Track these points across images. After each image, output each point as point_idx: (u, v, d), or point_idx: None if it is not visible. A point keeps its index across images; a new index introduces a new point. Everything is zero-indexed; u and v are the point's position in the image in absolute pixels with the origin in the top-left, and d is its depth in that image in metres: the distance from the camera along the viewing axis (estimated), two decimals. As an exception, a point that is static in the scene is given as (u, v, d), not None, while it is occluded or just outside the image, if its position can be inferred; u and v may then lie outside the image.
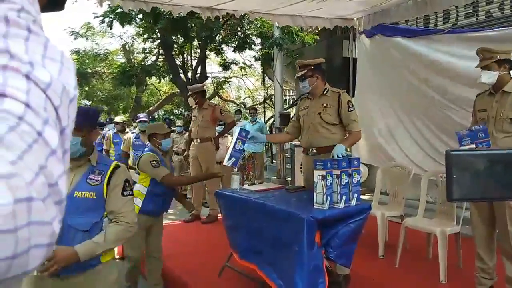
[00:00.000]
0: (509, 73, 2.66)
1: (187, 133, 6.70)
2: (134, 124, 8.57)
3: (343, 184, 2.51)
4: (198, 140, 5.01)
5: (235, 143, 3.04)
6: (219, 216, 4.70)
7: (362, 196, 2.74)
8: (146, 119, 5.99)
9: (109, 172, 1.87)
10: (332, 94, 3.10)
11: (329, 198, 2.47)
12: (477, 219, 2.82)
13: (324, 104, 3.07)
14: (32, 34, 0.39)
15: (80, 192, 1.79)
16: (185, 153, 5.45)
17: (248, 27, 10.23)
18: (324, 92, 3.12)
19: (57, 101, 0.38)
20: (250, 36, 10.33)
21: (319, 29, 5.96)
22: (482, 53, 2.73)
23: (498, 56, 2.64)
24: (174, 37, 10.19)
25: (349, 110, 3.03)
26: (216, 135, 5.20)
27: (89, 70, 14.42)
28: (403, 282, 3.12)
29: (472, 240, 2.94)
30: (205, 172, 4.92)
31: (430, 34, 5.03)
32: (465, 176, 0.78)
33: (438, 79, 4.82)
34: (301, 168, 6.09)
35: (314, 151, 3.10)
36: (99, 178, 1.84)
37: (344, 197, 2.50)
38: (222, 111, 5.19)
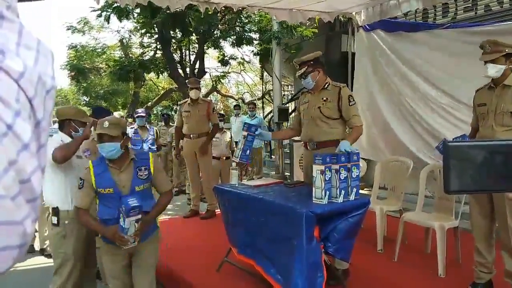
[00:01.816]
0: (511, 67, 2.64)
1: (173, 127, 6.65)
2: (130, 120, 8.56)
3: (342, 178, 2.50)
4: (196, 135, 4.99)
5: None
6: (218, 211, 4.70)
7: (360, 191, 2.73)
8: (144, 114, 5.98)
9: (151, 163, 2.41)
10: (333, 88, 3.08)
11: (328, 192, 2.46)
12: (476, 213, 2.82)
13: (324, 98, 3.05)
14: (5, 21, 0.36)
15: (138, 187, 2.34)
16: (176, 150, 5.43)
17: (247, 21, 10.17)
18: (325, 86, 3.10)
19: (31, 91, 0.36)
20: (249, 31, 10.27)
21: (318, 22, 5.91)
22: (490, 45, 2.64)
23: (507, 50, 2.59)
24: (172, 32, 10.12)
25: (350, 104, 3.01)
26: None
27: (86, 66, 14.33)
28: (402, 276, 3.13)
29: (471, 234, 2.95)
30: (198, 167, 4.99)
31: (431, 28, 5.01)
32: (463, 167, 0.77)
33: (437, 74, 4.81)
34: (300, 163, 6.09)
35: (314, 145, 3.10)
36: (146, 172, 2.38)
37: (343, 192, 2.50)
38: (214, 109, 5.17)
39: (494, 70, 2.61)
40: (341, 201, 2.49)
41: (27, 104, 0.35)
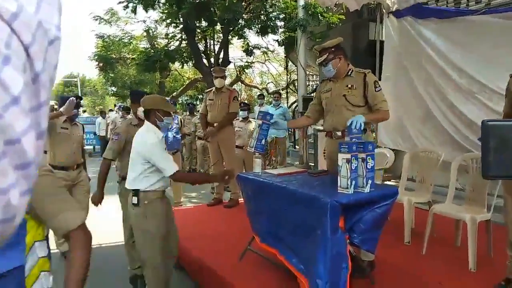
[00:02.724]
0: None
1: (198, 117, 6.65)
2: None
3: (369, 168, 2.42)
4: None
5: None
6: (241, 200, 4.70)
7: (387, 182, 2.64)
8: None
9: None
10: (357, 75, 2.97)
11: (354, 182, 2.39)
12: (511, 205, 2.68)
13: (349, 86, 2.95)
14: None
15: None
16: (204, 135, 5.42)
17: (271, 9, 10.04)
18: (348, 73, 3.00)
19: (27, 37, 0.30)
20: (273, 19, 10.14)
21: (345, 8, 5.76)
22: None
23: None
24: (197, 22, 10.13)
25: (376, 90, 2.89)
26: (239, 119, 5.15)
27: (113, 56, 14.55)
28: (430, 269, 3.03)
29: (504, 228, 2.81)
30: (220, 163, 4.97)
31: (465, 15, 4.78)
32: (504, 149, 0.70)
33: (472, 63, 4.61)
34: (324, 153, 6.00)
35: (339, 134, 3.01)
36: None
37: (370, 181, 2.42)
38: (235, 97, 5.14)
39: None
40: (368, 191, 2.42)
41: (21, 51, 0.30)
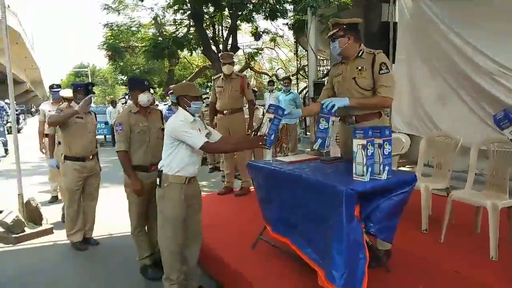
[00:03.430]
0: None
1: (205, 105, 6.56)
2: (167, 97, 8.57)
3: (386, 154, 2.30)
4: (229, 111, 4.87)
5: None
6: (252, 188, 4.62)
7: (402, 168, 2.52)
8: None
9: None
10: (367, 56, 2.80)
11: (370, 169, 2.27)
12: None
13: (359, 68, 2.79)
14: None
15: None
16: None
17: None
18: (359, 54, 2.83)
19: None
20: (282, 2, 9.92)
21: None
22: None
23: None
24: (204, 7, 9.97)
25: (380, 72, 2.71)
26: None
27: (122, 45, 14.48)
28: (449, 257, 2.91)
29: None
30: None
31: None
32: None
33: (488, 43, 4.41)
34: (337, 139, 5.86)
35: (353, 119, 2.88)
36: None
37: (387, 168, 2.30)
38: (248, 84, 5.01)
39: None
40: (385, 178, 2.30)
41: None
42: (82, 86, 4.04)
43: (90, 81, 37.24)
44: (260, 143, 2.66)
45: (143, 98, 3.19)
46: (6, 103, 11.56)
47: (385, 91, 2.71)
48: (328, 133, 2.66)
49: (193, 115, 2.71)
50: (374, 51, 2.82)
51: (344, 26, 2.80)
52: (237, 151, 4.67)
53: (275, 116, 2.73)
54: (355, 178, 2.32)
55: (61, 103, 4.85)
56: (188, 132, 2.59)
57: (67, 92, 4.58)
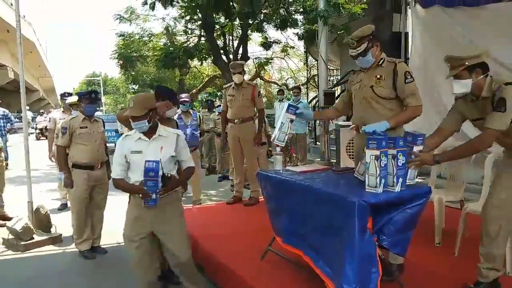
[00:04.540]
0: (485, 77, 2.38)
1: (217, 114, 6.55)
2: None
3: (400, 165, 2.25)
4: (240, 120, 4.86)
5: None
6: (261, 198, 4.57)
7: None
8: (188, 100, 5.93)
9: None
10: (388, 64, 2.75)
11: (383, 180, 2.22)
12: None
13: (378, 76, 2.74)
14: None
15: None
16: (222, 135, 5.34)
17: (292, 0, 9.83)
18: (380, 63, 2.78)
19: None
20: (293, 12, 9.94)
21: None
22: (449, 62, 2.45)
23: (467, 63, 2.35)
24: (215, 16, 10.04)
25: (406, 81, 2.66)
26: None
27: (134, 54, 14.62)
28: (464, 272, 2.82)
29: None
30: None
31: (497, 1, 4.51)
32: None
33: (503, 51, 4.34)
34: (347, 148, 5.80)
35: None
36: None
37: (400, 180, 2.25)
38: (259, 93, 4.99)
39: (459, 86, 2.43)
40: (398, 190, 2.25)
41: None
42: (87, 94, 4.15)
43: (102, 89, 37.75)
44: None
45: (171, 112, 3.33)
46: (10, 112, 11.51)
47: (415, 100, 2.69)
48: (289, 130, 2.92)
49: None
50: (395, 60, 2.78)
51: (371, 36, 2.74)
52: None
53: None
54: (367, 190, 2.27)
55: (71, 112, 4.97)
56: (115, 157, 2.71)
57: (73, 98, 5.01)
